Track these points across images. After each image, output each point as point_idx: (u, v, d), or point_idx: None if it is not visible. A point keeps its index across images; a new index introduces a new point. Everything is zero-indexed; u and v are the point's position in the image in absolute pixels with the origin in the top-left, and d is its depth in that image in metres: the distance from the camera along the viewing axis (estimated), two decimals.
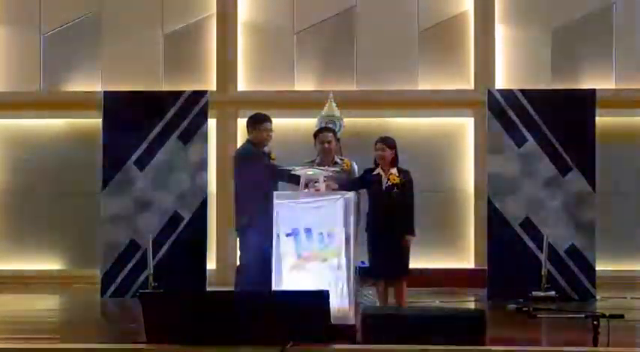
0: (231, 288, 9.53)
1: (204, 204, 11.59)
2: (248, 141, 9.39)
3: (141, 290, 10.95)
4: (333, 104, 11.24)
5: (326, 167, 8.81)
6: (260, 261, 8.81)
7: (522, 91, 11.72)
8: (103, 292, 11.55)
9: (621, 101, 12.98)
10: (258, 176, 9.04)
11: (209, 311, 6.36)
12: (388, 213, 8.96)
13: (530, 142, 11.50)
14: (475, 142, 13.29)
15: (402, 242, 8.97)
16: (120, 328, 9.27)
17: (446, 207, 13.29)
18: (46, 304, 11.59)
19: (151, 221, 11.57)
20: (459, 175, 13.43)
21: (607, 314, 6.55)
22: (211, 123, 12.71)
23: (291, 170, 8.69)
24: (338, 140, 9.68)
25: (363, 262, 9.10)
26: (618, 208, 12.98)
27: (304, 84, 13.53)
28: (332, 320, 6.47)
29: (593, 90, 11.72)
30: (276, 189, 8.83)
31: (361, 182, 9.13)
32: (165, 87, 13.36)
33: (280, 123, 9.78)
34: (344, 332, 7.14)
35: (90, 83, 13.54)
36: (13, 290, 12.47)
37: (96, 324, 9.88)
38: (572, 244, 11.40)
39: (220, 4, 13.62)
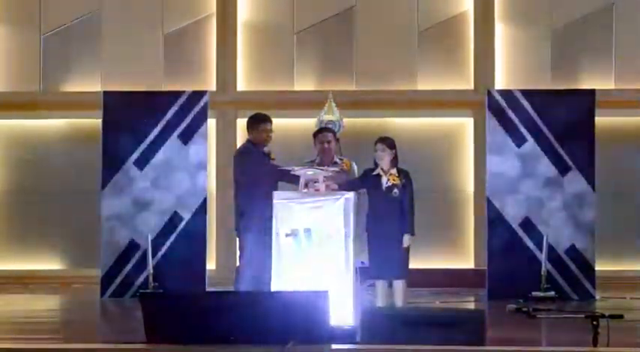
0: (230, 288, 9.53)
1: (203, 204, 11.59)
2: (248, 141, 9.40)
3: (141, 290, 11.03)
4: (333, 104, 11.22)
5: (325, 167, 8.82)
6: (260, 261, 8.82)
7: (522, 91, 11.72)
8: (103, 292, 11.55)
9: (621, 101, 12.98)
10: (258, 176, 9.05)
11: (209, 311, 6.36)
12: (388, 213, 8.96)
13: (530, 142, 11.50)
14: (475, 142, 13.29)
15: (401, 242, 8.96)
16: (119, 328, 9.27)
17: (445, 208, 13.30)
18: (45, 304, 11.59)
19: (151, 221, 11.58)
20: (459, 175, 13.43)
21: (607, 314, 6.55)
22: (211, 123, 12.71)
23: (290, 170, 8.69)
24: (337, 140, 9.68)
25: (362, 262, 9.10)
26: (618, 208, 12.98)
27: (304, 84, 13.54)
28: (332, 321, 6.47)
29: (593, 91, 11.72)
30: (276, 190, 8.83)
31: (361, 182, 9.13)
32: (165, 87, 13.36)
33: (280, 123, 9.78)
34: (344, 333, 7.14)
35: (90, 83, 13.55)
36: (13, 290, 12.47)
37: (96, 324, 9.88)
38: (571, 244, 11.40)
39: (220, 4, 13.63)
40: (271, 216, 8.33)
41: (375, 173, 9.08)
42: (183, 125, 11.70)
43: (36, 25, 13.74)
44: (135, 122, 11.66)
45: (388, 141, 9.14)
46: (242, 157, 9.29)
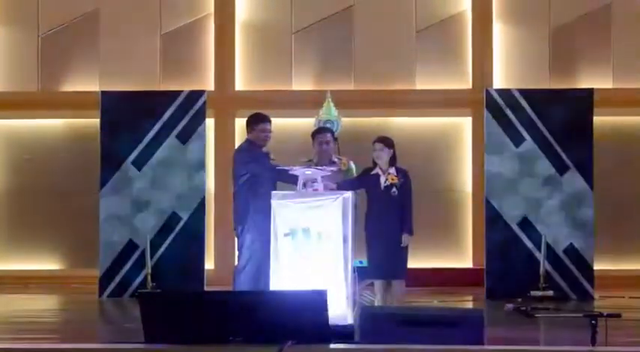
0: (229, 288, 9.53)
1: (202, 204, 11.59)
2: (247, 141, 9.39)
3: (139, 290, 11.02)
4: (331, 103, 11.24)
5: (324, 167, 8.81)
6: (258, 260, 8.82)
7: (520, 91, 11.72)
8: (102, 292, 11.55)
9: (619, 100, 12.98)
10: (257, 176, 9.05)
11: (207, 311, 6.36)
12: (386, 212, 8.95)
13: (528, 142, 11.51)
14: (473, 142, 13.29)
15: (400, 241, 8.96)
16: (118, 328, 9.27)
17: (444, 207, 13.30)
18: (44, 304, 11.58)
19: (149, 221, 11.58)
20: (457, 175, 13.44)
21: (605, 313, 6.56)
22: (209, 123, 12.71)
23: (289, 170, 8.69)
24: (336, 139, 9.68)
25: (361, 262, 9.10)
26: (616, 207, 12.98)
27: (302, 83, 13.54)
28: (330, 320, 6.47)
29: (591, 90, 11.72)
30: (275, 189, 8.83)
31: (359, 182, 9.13)
32: (163, 86, 13.36)
33: (278, 123, 9.77)
34: (342, 332, 7.14)
35: (88, 83, 13.54)
36: (12, 290, 12.47)
37: (94, 324, 9.88)
38: (570, 243, 11.41)
39: (218, 4, 13.62)
40: (270, 216, 8.32)
41: (373, 172, 9.08)
42: (182, 125, 11.70)
43: (34, 25, 13.73)
44: (133, 122, 11.66)
45: (386, 141, 9.13)
46: (241, 157, 9.29)
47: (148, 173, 11.66)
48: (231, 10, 13.60)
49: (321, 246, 8.14)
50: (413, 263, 9.31)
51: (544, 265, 11.24)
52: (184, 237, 11.54)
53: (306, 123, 11.45)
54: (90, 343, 7.74)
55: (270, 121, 9.34)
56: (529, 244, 11.39)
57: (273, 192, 8.46)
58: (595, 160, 11.49)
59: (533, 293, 11.07)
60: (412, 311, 7.16)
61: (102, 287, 11.57)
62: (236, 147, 10.23)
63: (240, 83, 13.60)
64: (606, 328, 6.38)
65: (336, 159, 9.38)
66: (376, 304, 9.14)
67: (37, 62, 13.72)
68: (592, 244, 11.43)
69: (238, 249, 9.19)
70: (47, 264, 13.47)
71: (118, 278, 11.57)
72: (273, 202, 8.29)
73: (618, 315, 6.66)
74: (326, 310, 6.34)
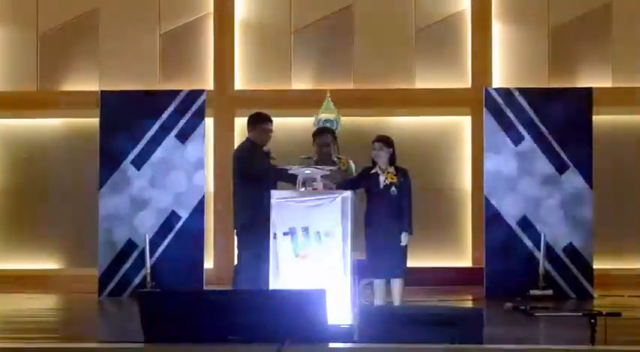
0: (228, 287, 9.53)
1: (201, 203, 11.59)
2: (248, 140, 9.40)
3: (138, 290, 11.02)
4: (331, 103, 11.23)
5: (323, 166, 8.81)
6: (258, 260, 8.82)
7: (520, 90, 11.73)
8: (101, 291, 11.55)
9: (618, 99, 12.98)
10: (257, 175, 9.05)
11: (206, 310, 6.36)
12: (386, 211, 8.96)
13: (528, 141, 11.51)
14: (472, 141, 13.28)
15: (399, 240, 8.96)
16: (117, 327, 9.28)
17: (443, 206, 13.29)
18: (43, 303, 11.58)
19: (149, 220, 11.57)
20: (456, 174, 13.43)
21: (604, 312, 6.56)
22: (209, 122, 12.70)
23: (288, 169, 8.69)
24: (335, 139, 9.68)
25: (360, 261, 9.10)
26: (615, 206, 12.98)
27: (301, 82, 13.53)
28: (329, 319, 6.47)
29: (590, 89, 11.72)
30: (276, 188, 8.83)
31: (358, 181, 9.13)
32: (162, 86, 13.35)
33: (277, 122, 9.76)
34: (341, 331, 7.14)
35: (87, 82, 13.53)
36: (11, 289, 12.46)
37: (93, 323, 9.87)
38: (569, 242, 11.41)
39: (217, 3, 13.61)
40: (270, 215, 8.32)
41: (372, 171, 9.08)
42: (181, 124, 11.69)
43: (33, 25, 13.72)
44: (132, 121, 11.66)
45: (386, 140, 9.13)
46: (242, 156, 9.29)
47: (148, 172, 11.66)
48: (230, 9, 13.59)
49: (320, 245, 8.14)
50: (412, 262, 9.31)
51: (543, 264, 11.24)
52: (184, 236, 11.54)
53: (305, 122, 11.45)
54: (89, 342, 7.73)
55: (271, 121, 9.34)
56: (528, 243, 11.39)
57: (273, 191, 8.46)
58: (594, 159, 11.49)
59: (533, 292, 11.07)
60: (411, 311, 7.17)
61: (101, 287, 11.57)
62: (236, 146, 10.23)
63: (240, 82, 13.60)
64: (605, 327, 6.38)
65: (335, 158, 9.38)
66: (375, 303, 9.14)
67: (36, 61, 13.71)
68: (591, 243, 11.43)
69: (237, 248, 9.19)
70: (46, 263, 13.46)
71: (117, 278, 11.56)
72: (273, 201, 8.29)
73: (618, 314, 6.65)
74: (325, 309, 6.35)
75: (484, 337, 6.49)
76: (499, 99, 11.57)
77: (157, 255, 11.51)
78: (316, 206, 8.21)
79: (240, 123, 12.45)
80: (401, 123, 13.27)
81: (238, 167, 9.25)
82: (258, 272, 8.78)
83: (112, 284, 11.56)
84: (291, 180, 8.84)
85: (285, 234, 8.21)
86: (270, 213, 8.29)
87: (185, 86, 12.55)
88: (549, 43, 13.44)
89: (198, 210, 11.57)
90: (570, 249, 11.40)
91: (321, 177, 8.51)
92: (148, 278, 11.33)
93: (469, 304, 11.28)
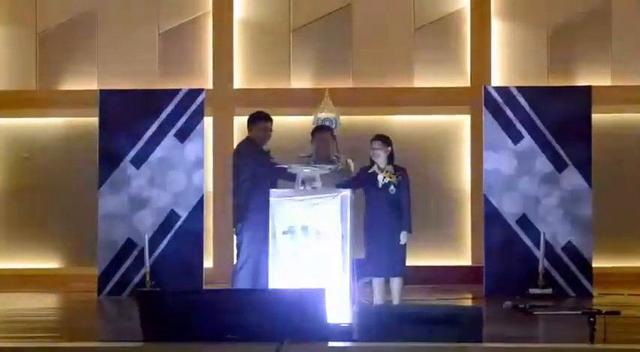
0: (228, 286, 9.54)
1: (200, 203, 11.59)
2: (247, 139, 9.40)
3: (138, 289, 11.03)
4: (330, 101, 11.23)
5: (322, 165, 8.81)
6: (257, 258, 8.82)
7: (519, 88, 11.73)
8: (100, 290, 11.55)
9: (618, 98, 12.98)
10: (257, 174, 9.05)
11: (205, 309, 6.36)
12: (384, 210, 8.96)
13: (527, 139, 11.51)
14: (472, 139, 13.28)
15: (398, 239, 8.96)
16: (116, 326, 9.28)
17: (442, 205, 13.29)
18: (43, 302, 11.57)
19: (148, 219, 11.57)
20: (456, 172, 13.43)
21: (603, 310, 6.55)
22: (208, 121, 12.70)
23: (288, 168, 8.69)
24: (334, 137, 9.68)
25: (359, 259, 9.10)
26: (615, 205, 12.97)
27: (300, 81, 13.53)
28: (329, 318, 6.47)
29: (590, 87, 11.72)
30: (275, 187, 8.83)
31: (357, 180, 9.13)
32: (161, 85, 13.34)
33: (277, 121, 9.77)
34: (341, 330, 7.14)
35: (86, 81, 13.53)
36: (10, 288, 12.46)
37: (93, 323, 9.88)
38: (568, 241, 11.41)
39: (216, 2, 13.60)
40: (269, 214, 8.32)
41: (371, 170, 9.08)
42: (180, 123, 11.69)
43: (32, 24, 13.71)
44: (131, 120, 11.65)
45: (384, 139, 9.14)
46: (242, 155, 9.29)
47: (147, 171, 11.65)
48: (229, 8, 13.58)
49: (320, 244, 8.15)
50: (411, 261, 9.32)
51: (543, 263, 11.24)
52: (183, 235, 11.53)
53: (304, 121, 11.45)
54: (89, 342, 7.73)
55: (271, 120, 9.35)
56: (528, 242, 11.40)
57: (272, 190, 8.47)
58: (593, 158, 11.49)
59: (532, 290, 11.07)
60: (411, 309, 7.17)
61: (100, 286, 11.56)
62: (236, 145, 10.23)
63: (239, 81, 13.59)
64: (605, 325, 6.37)
65: (334, 157, 9.38)
66: (375, 302, 9.14)
67: (36, 61, 13.71)
68: (591, 241, 11.43)
69: (237, 247, 9.20)
70: (46, 262, 13.46)
71: (116, 277, 11.56)
72: (272, 200, 8.29)
73: (617, 313, 6.65)
74: (324, 308, 6.34)
75: (483, 336, 6.48)
76: (498, 98, 11.58)
77: (156, 254, 11.51)
78: (315, 205, 8.22)
79: (240, 122, 12.46)
80: (400, 122, 13.26)
81: (238, 165, 9.26)
82: (258, 271, 8.79)
83: (111, 284, 11.56)
84: (290, 179, 8.84)
85: (284, 232, 8.22)
86: (270, 211, 8.29)
87: (184, 85, 12.55)
88: (549, 42, 13.44)
89: (198, 209, 11.57)
90: (570, 248, 11.40)
91: (320, 176, 8.50)
92: (148, 278, 11.33)
93: (468, 303, 11.27)
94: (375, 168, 9.08)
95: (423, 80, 13.42)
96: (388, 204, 8.97)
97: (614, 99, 12.90)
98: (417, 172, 9.78)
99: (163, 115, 11.70)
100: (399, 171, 9.09)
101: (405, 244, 9.03)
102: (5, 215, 13.62)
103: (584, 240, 11.41)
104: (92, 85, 13.40)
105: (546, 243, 11.31)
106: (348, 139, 10.80)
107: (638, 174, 13.22)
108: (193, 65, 13.64)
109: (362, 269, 9.11)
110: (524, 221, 11.44)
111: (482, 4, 13.42)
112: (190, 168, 11.63)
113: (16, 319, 9.84)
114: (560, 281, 11.34)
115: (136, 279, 11.49)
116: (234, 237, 9.28)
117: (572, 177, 11.45)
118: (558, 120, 11.46)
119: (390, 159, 9.11)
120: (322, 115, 10.99)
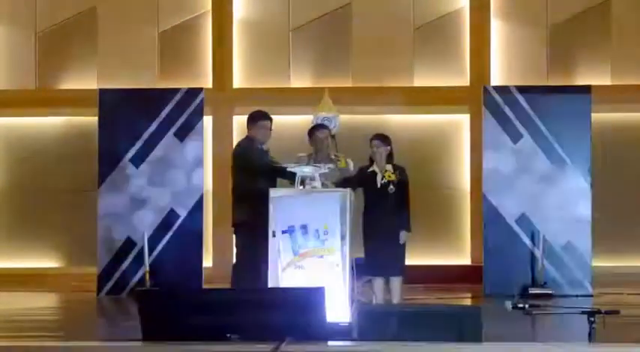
0: (227, 285, 9.53)
1: (200, 202, 11.59)
2: (247, 138, 9.39)
3: (137, 288, 11.03)
4: (329, 100, 11.22)
5: (321, 164, 8.80)
6: (257, 258, 8.82)
7: (518, 88, 11.74)
8: (100, 289, 11.55)
9: (617, 97, 12.98)
10: (256, 173, 9.04)
11: (205, 308, 6.36)
12: (384, 209, 8.96)
13: (526, 138, 11.51)
14: (471, 139, 13.29)
15: (398, 238, 8.96)
16: (116, 325, 9.28)
17: (442, 204, 13.30)
18: (42, 302, 11.58)
19: (147, 218, 11.58)
20: (455, 171, 13.43)
21: (603, 310, 6.55)
22: (207, 120, 12.70)
23: (286, 167, 8.68)
24: (333, 137, 9.67)
25: (359, 259, 9.09)
26: (614, 204, 12.98)
27: (300, 80, 13.53)
28: (328, 318, 6.47)
29: (589, 87, 11.73)
30: (274, 186, 8.83)
31: (357, 179, 9.12)
32: (161, 84, 13.35)
33: (276, 120, 9.75)
34: (340, 330, 7.14)
35: (86, 81, 13.53)
36: (10, 287, 12.46)
37: (92, 322, 9.88)
38: (568, 240, 11.42)
39: (216, 1, 13.62)
40: (268, 213, 8.31)
41: (370, 170, 9.08)
42: (180, 122, 11.70)
43: (32, 23, 13.72)
44: (131, 119, 11.66)
45: (384, 138, 9.13)
46: (241, 154, 9.28)
47: (146, 170, 11.66)
48: (228, 7, 13.59)
49: (320, 243, 8.14)
50: (411, 260, 9.32)
51: (542, 262, 11.24)
52: (182, 234, 11.54)
53: (304, 120, 11.44)
54: (88, 341, 7.73)
55: (270, 119, 9.34)
56: (527, 241, 11.40)
57: (272, 189, 8.45)
58: (593, 157, 11.50)
59: (531, 289, 11.08)
60: (410, 309, 7.16)
61: (100, 285, 11.57)
62: (235, 144, 10.22)
63: (238, 80, 13.60)
64: (604, 325, 6.37)
65: (333, 157, 9.37)
66: (374, 301, 9.14)
67: (35, 60, 13.71)
68: (590, 241, 11.43)
69: (236, 246, 9.19)
70: (45, 261, 13.47)
71: (116, 276, 11.57)
72: (272, 199, 8.28)
73: (616, 312, 6.65)
74: (324, 307, 6.34)
75: (483, 335, 6.48)
76: (498, 98, 11.58)
77: (155, 253, 11.51)
78: (315, 204, 8.21)
79: (239, 122, 12.46)
80: (399, 121, 13.27)
81: (237, 165, 9.25)
82: (257, 270, 8.77)
83: (110, 283, 11.56)
84: (290, 178, 8.83)
85: (283, 231, 8.20)
86: (269, 210, 8.29)
87: (183, 84, 12.55)
88: (548, 41, 13.44)
89: (197, 208, 11.57)
90: (569, 247, 11.41)
91: (320, 175, 8.50)
92: (147, 277, 11.33)
93: (468, 302, 11.28)
94: (374, 167, 9.07)
95: (422, 79, 13.43)
96: (387, 203, 8.97)
97: (614, 98, 12.90)
98: (416, 171, 9.78)
99: (163, 114, 11.71)
100: (399, 170, 9.08)
101: (405, 243, 9.03)
102: (5, 214, 13.63)
103: (583, 239, 11.41)
104: (91, 84, 13.40)
105: (546, 241, 11.31)
106: (348, 139, 10.79)
107: (637, 174, 13.23)
108: (193, 64, 13.65)
109: (361, 269, 9.10)
110: (523, 220, 11.45)
111: (481, 4, 13.43)
112: (190, 168, 11.63)
113: (16, 318, 9.84)
114: (560, 280, 11.34)
115: (136, 278, 11.49)
116: (234, 236, 9.27)
117: (571, 176, 11.45)
118: (558, 120, 11.47)
119: (390, 158, 9.11)
120: (322, 114, 10.97)
